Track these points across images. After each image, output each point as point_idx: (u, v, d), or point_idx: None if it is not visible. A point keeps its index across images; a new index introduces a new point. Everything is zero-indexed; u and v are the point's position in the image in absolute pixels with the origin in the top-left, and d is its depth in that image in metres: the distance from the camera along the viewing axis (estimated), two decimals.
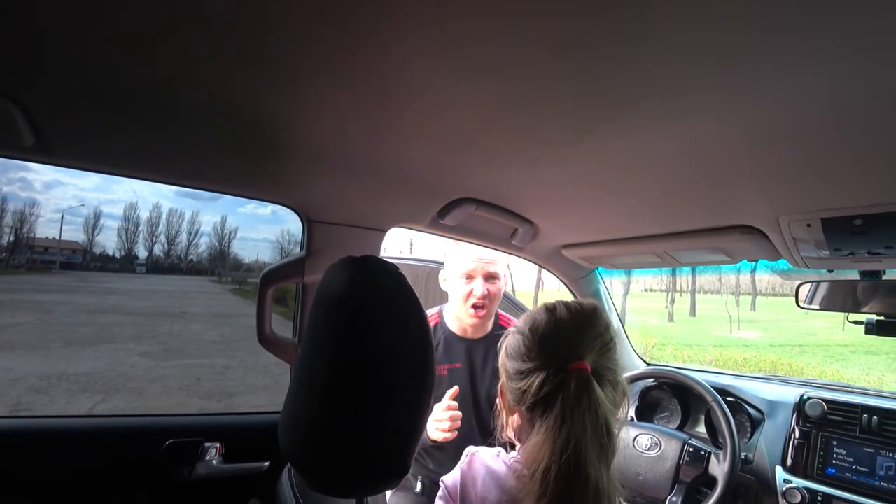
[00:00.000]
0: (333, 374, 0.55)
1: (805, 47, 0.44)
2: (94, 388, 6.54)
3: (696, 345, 12.82)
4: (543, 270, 1.69)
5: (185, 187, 0.94)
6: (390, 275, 0.57)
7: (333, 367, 0.55)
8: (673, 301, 20.11)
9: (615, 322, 1.95)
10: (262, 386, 7.19)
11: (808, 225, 0.92)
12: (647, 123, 0.64)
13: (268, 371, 7.75)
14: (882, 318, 1.23)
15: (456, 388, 1.24)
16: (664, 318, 18.90)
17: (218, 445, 1.07)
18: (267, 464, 1.09)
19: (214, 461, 1.06)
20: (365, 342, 0.54)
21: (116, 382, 6.94)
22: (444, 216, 1.12)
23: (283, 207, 1.04)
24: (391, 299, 0.56)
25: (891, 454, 1.20)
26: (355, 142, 0.79)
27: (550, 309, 0.73)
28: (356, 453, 0.53)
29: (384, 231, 1.14)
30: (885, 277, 1.22)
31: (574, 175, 0.89)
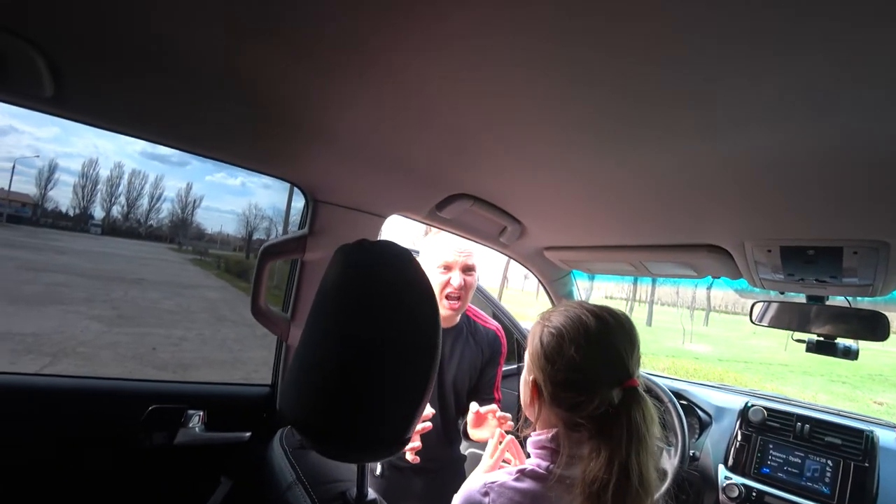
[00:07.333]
0: (344, 348, 0.57)
1: (773, 99, 0.51)
2: (40, 351, 6.22)
3: (651, 353, 13.31)
4: (508, 269, 1.76)
5: (196, 154, 0.94)
6: (404, 259, 0.61)
7: (344, 341, 0.57)
8: (632, 310, 20.77)
9: None
10: (218, 360, 6.99)
11: (769, 250, 1.03)
12: (631, 146, 0.71)
13: (225, 346, 7.56)
14: (822, 338, 1.37)
15: None
16: None
17: (201, 414, 1.08)
18: (248, 434, 1.10)
19: (197, 429, 1.06)
20: (376, 320, 0.57)
21: (65, 346, 6.59)
22: (441, 209, 1.16)
23: (267, 182, 1.06)
24: (404, 282, 0.59)
25: (818, 458, 1.35)
26: (365, 128, 0.81)
27: (596, 315, 0.73)
28: (361, 422, 0.56)
29: (384, 217, 1.17)
30: (828, 303, 1.36)
31: (563, 182, 0.94)
